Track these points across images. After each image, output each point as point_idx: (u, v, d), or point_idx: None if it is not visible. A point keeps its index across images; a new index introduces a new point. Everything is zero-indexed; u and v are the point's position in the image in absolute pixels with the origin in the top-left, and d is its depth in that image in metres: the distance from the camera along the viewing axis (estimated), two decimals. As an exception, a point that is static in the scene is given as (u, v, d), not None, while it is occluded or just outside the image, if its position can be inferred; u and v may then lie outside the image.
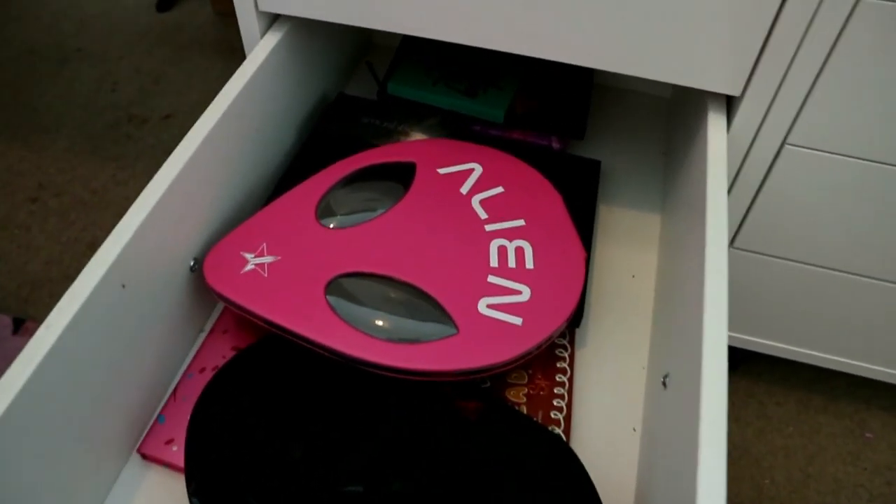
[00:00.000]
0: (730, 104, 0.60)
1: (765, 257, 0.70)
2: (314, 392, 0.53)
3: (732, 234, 0.69)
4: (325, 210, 0.61)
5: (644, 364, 0.60)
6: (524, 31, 0.57)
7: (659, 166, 0.77)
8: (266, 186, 0.68)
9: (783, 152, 0.60)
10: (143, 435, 0.53)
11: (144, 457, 0.52)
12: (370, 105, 0.74)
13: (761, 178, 0.63)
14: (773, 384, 0.89)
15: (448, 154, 0.66)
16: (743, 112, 0.58)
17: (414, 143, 0.67)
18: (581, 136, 0.72)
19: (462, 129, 0.72)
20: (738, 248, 0.70)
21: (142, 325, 0.51)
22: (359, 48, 0.88)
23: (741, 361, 0.93)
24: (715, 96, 0.61)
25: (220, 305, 0.62)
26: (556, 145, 0.73)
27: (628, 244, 0.69)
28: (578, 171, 0.70)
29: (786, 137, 0.59)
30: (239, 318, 0.60)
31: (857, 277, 0.69)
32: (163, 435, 0.53)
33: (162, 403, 0.55)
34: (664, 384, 0.52)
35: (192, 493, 0.47)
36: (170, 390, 0.56)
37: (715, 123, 0.58)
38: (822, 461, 0.82)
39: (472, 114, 0.72)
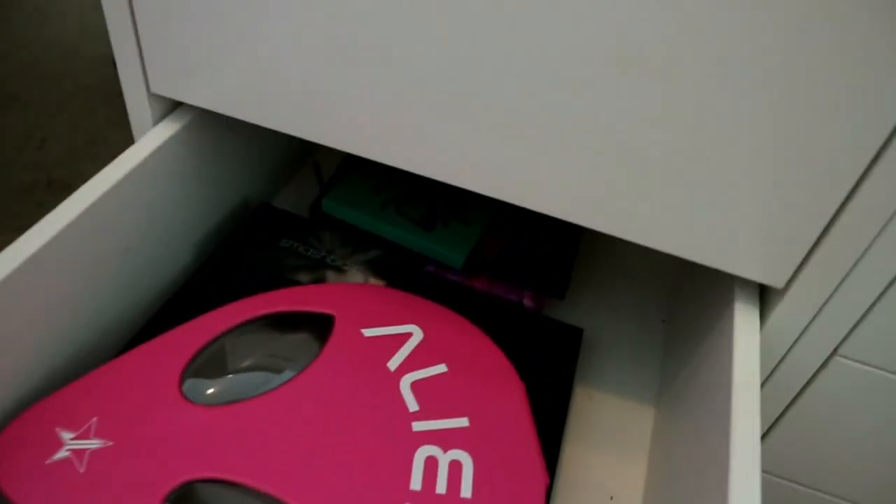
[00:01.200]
0: (764, 292, 0.44)
1: (790, 483, 0.53)
2: None
3: (748, 452, 0.52)
4: (196, 371, 0.44)
5: None
6: (489, 168, 0.41)
7: (658, 339, 0.60)
8: (134, 327, 0.51)
9: (831, 364, 0.44)
10: None
11: None
12: (297, 223, 0.57)
13: (797, 390, 0.47)
14: None
15: (380, 308, 0.49)
16: (783, 308, 0.41)
17: (337, 288, 0.50)
18: (562, 295, 0.56)
19: (411, 270, 0.56)
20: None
21: None
22: (304, 145, 0.72)
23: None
24: (744, 281, 0.45)
25: None
26: (529, 303, 0.56)
27: (609, 449, 0.52)
28: (555, 339, 0.54)
29: (838, 347, 0.43)
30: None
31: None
32: None
33: None
34: None
35: None
36: None
37: (745, 317, 0.42)
38: None
39: (425, 252, 0.56)
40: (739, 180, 0.37)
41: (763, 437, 0.51)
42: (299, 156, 0.71)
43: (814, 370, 0.45)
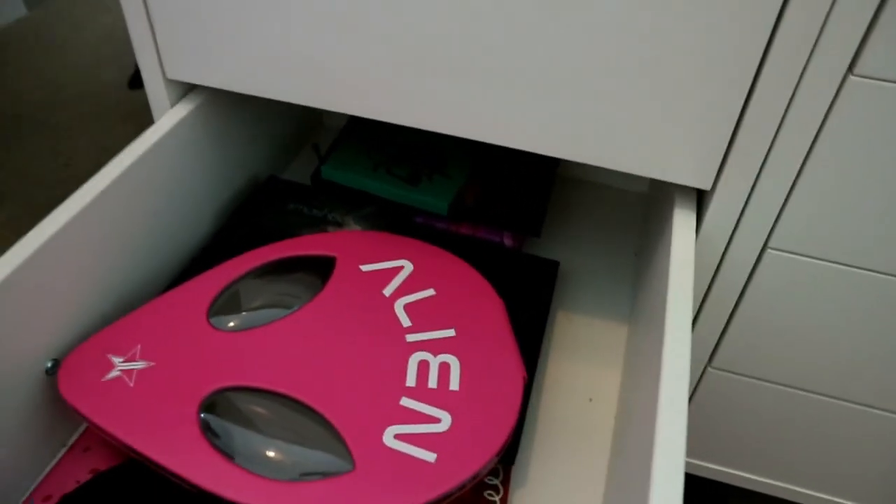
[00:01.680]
0: (701, 200, 0.51)
1: (749, 379, 0.60)
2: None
3: (710, 352, 0.59)
4: (220, 307, 0.52)
5: (597, 510, 0.49)
6: (472, 113, 0.49)
7: (629, 269, 0.67)
8: (165, 280, 0.58)
9: (764, 257, 0.51)
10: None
11: None
12: (301, 190, 0.65)
13: (741, 287, 0.53)
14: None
15: (375, 249, 0.57)
16: (715, 209, 0.48)
17: (337, 235, 0.58)
18: (538, 233, 0.63)
19: (403, 221, 0.63)
20: (717, 369, 0.60)
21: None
22: (306, 128, 0.80)
23: (730, 496, 0.81)
24: (684, 190, 0.52)
25: (87, 420, 0.52)
26: (508, 242, 0.64)
27: (588, 360, 0.59)
28: (533, 272, 0.61)
29: (767, 240, 0.50)
30: (104, 437, 0.50)
31: (856, 406, 0.58)
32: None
33: (-16, 544, 0.44)
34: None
35: None
36: (-1, 526, 0.45)
37: (682, 221, 0.49)
38: None
39: (413, 204, 0.63)
40: (661, 95, 0.44)
41: (719, 340, 0.58)
42: (301, 138, 0.79)
43: (751, 265, 0.52)
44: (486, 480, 0.48)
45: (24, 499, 0.46)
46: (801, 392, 0.59)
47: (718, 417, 0.64)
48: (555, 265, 0.62)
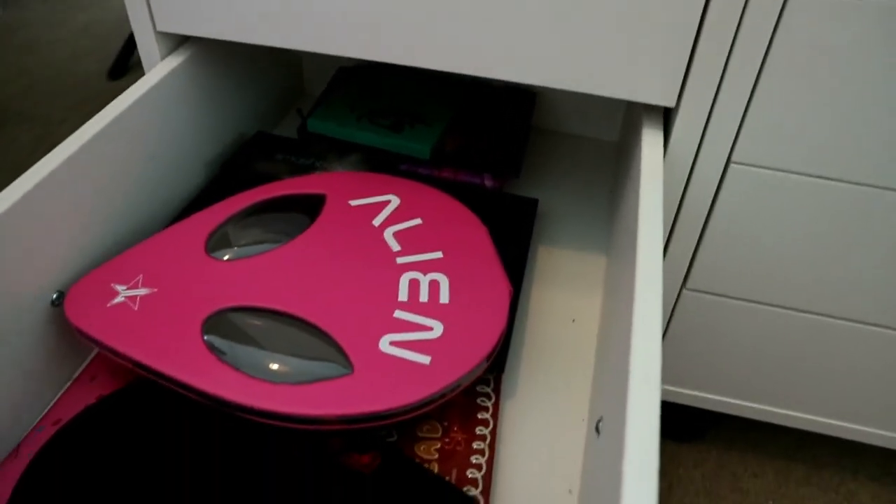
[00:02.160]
0: (667, 119, 0.54)
1: (724, 299, 0.63)
2: (179, 447, 0.44)
3: (685, 273, 0.62)
4: (216, 242, 0.54)
5: (584, 416, 0.52)
6: (450, 47, 0.52)
7: (604, 206, 0.70)
8: (161, 223, 0.61)
9: (729, 172, 0.54)
10: (-31, 500, 0.44)
11: (-33, 527, 0.43)
12: (288, 142, 0.68)
13: (709, 203, 0.57)
14: (747, 452, 0.79)
15: (363, 186, 0.59)
16: (680, 126, 0.52)
17: (326, 175, 0.60)
18: (517, 173, 0.66)
19: (387, 168, 0.66)
20: (693, 290, 0.63)
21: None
22: (288, 94, 0.83)
23: (710, 426, 0.84)
24: (651, 110, 0.55)
25: (95, 350, 0.54)
26: (489, 183, 0.67)
27: (569, 287, 0.62)
28: (513, 209, 0.64)
29: (730, 154, 0.53)
30: (111, 365, 0.52)
31: (830, 320, 0.62)
32: (-8, 499, 0.44)
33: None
34: (597, 430, 0.44)
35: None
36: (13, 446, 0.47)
37: (650, 138, 0.53)
38: (808, 541, 0.72)
39: (396, 150, 0.66)
40: (624, 17, 0.47)
41: (691, 260, 0.61)
42: (285, 103, 0.81)
43: (717, 181, 0.55)
44: (478, 388, 0.51)
45: (34, 424, 0.48)
46: (774, 308, 0.62)
47: (697, 342, 0.67)
48: (534, 202, 0.65)
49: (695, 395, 0.72)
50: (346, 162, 0.66)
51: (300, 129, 0.69)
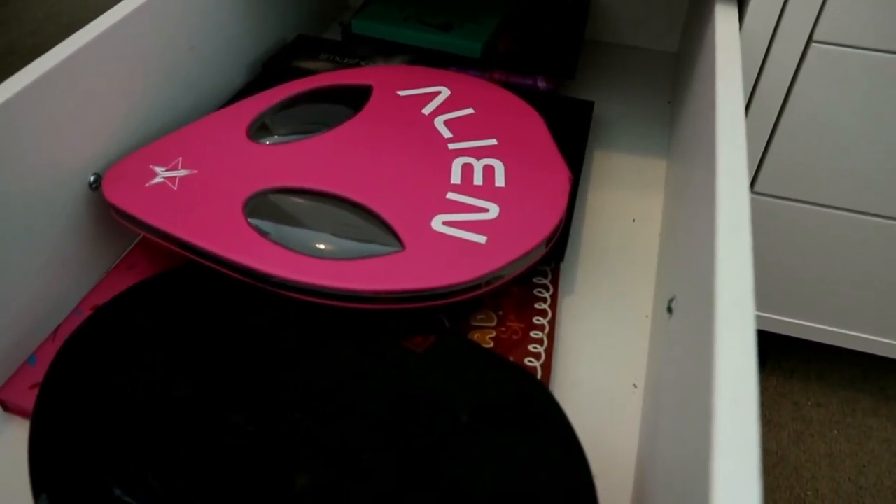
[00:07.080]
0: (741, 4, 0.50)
1: (794, 204, 0.59)
2: (219, 330, 0.42)
3: (752, 175, 0.58)
4: (258, 129, 0.51)
5: (648, 312, 0.48)
6: None
7: (664, 114, 0.66)
8: (202, 115, 0.58)
9: (810, 52, 0.50)
10: (7, 377, 0.42)
11: (5, 407, 0.41)
12: (331, 44, 0.65)
13: (785, 89, 0.52)
14: (809, 382, 0.75)
15: (412, 78, 0.56)
16: (756, 2, 0.47)
17: (373, 68, 0.57)
18: (572, 75, 0.62)
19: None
20: (759, 194, 0.59)
21: (21, 249, 0.41)
22: (330, 5, 0.80)
23: (768, 354, 0.80)
24: (723, -11, 0.51)
25: (135, 239, 0.52)
26: (543, 85, 0.63)
27: (628, 189, 0.58)
28: (568, 111, 0.60)
29: (812, 32, 0.49)
30: (150, 253, 0.50)
31: (908, 228, 0.57)
32: (29, 378, 0.42)
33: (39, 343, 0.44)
34: (669, 309, 0.40)
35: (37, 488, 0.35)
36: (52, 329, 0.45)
37: (723, 13, 0.48)
38: (877, 472, 0.67)
39: (446, 48, 0.63)
40: None
41: (761, 159, 0.57)
42: (327, 17, 0.78)
43: (795, 64, 0.51)
44: (535, 280, 0.48)
45: (72, 309, 0.47)
46: (849, 214, 0.58)
47: (760, 255, 0.63)
48: (590, 104, 0.61)
49: (756, 316, 0.68)
50: (393, 62, 0.62)
51: (344, 30, 0.66)
